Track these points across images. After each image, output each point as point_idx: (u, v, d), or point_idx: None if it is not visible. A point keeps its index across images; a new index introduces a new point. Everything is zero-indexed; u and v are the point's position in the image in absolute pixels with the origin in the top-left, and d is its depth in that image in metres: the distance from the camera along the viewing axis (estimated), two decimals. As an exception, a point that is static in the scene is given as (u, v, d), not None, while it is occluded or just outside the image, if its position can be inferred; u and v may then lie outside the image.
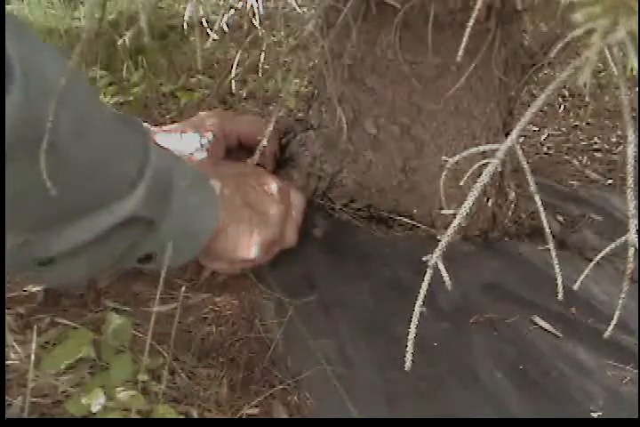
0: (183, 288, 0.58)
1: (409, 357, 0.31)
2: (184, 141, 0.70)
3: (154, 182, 0.46)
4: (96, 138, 0.40)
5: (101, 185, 0.42)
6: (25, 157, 0.33)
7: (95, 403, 0.47)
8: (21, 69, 0.33)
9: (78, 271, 0.47)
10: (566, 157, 1.16)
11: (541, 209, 0.32)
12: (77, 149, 0.38)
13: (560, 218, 0.87)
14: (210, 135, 0.71)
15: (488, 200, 0.79)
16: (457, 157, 0.33)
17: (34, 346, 0.47)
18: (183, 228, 0.51)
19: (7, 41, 0.32)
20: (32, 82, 0.33)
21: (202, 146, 0.70)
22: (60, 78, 0.32)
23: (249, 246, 0.59)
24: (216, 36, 0.79)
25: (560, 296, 0.34)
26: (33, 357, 0.47)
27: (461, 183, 0.40)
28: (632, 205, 0.31)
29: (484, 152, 0.32)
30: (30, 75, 0.33)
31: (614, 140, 1.27)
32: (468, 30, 0.30)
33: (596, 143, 1.26)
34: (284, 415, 0.51)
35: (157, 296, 0.45)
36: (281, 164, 0.82)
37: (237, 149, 0.76)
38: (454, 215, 0.29)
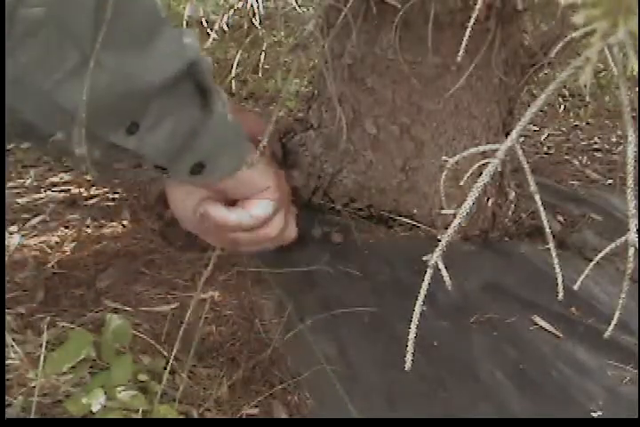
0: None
1: (409, 357, 0.31)
2: None
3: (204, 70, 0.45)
4: None
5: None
6: None
7: (95, 403, 0.47)
8: None
9: (156, 145, 0.45)
10: (566, 157, 1.16)
11: (541, 209, 0.32)
12: None
13: (560, 218, 0.87)
14: None
15: (488, 200, 0.79)
16: (457, 157, 0.32)
17: (43, 349, 0.47)
18: (230, 125, 0.49)
19: None
20: None
21: None
22: None
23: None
24: (216, 36, 0.79)
25: (560, 296, 0.34)
26: (42, 358, 0.47)
27: (461, 183, 0.40)
28: (632, 205, 0.31)
29: (484, 152, 0.32)
30: None
31: (614, 140, 1.27)
32: (468, 30, 0.30)
33: (596, 143, 1.26)
34: (284, 415, 0.51)
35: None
36: (281, 164, 0.82)
37: None
38: (454, 215, 0.29)
